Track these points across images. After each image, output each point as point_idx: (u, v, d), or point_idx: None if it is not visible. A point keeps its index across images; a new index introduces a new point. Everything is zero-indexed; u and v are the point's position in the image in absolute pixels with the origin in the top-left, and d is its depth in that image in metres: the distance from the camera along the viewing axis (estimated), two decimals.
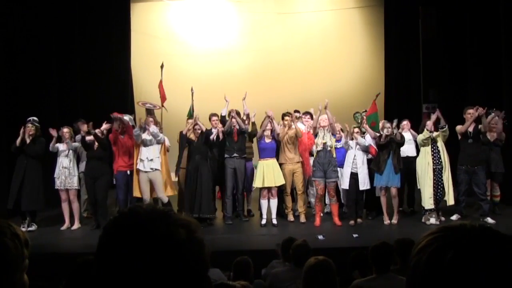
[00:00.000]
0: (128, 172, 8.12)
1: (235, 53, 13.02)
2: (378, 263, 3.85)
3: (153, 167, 8.01)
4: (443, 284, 0.92)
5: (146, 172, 8.00)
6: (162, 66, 9.65)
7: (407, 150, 8.41)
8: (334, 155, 8.04)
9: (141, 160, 8.01)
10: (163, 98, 9.46)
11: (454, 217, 8.07)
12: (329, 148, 8.00)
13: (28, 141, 7.97)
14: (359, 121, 9.65)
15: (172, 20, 13.26)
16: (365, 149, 8.08)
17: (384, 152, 7.93)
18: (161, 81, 9.54)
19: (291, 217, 8.35)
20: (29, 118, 8.19)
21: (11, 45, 9.22)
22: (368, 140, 8.16)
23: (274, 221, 8.20)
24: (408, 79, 12.57)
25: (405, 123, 8.55)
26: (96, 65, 11.52)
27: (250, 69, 12.85)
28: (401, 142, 7.99)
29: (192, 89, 9.40)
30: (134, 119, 8.69)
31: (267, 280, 4.67)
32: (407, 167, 8.25)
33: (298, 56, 12.97)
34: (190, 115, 9.53)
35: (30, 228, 8.00)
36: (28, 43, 9.59)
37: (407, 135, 8.39)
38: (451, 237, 0.96)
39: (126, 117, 8.43)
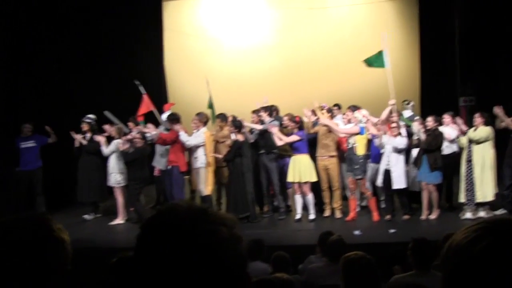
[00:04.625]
0: (169, 167, 8.26)
1: (267, 49, 12.97)
2: (418, 259, 3.79)
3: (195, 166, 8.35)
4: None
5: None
6: (139, 84, 9.60)
7: (449, 144, 8.21)
8: (358, 153, 7.84)
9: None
10: (144, 108, 9.46)
11: (499, 212, 7.89)
12: (350, 145, 7.89)
13: (83, 142, 8.66)
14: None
15: (203, 17, 13.31)
16: (397, 151, 7.86)
17: (420, 149, 7.79)
18: (145, 95, 9.53)
19: (327, 212, 8.31)
20: (86, 116, 8.78)
21: (42, 45, 9.44)
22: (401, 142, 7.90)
23: (311, 216, 8.16)
24: (444, 72, 12.27)
25: (447, 118, 8.32)
26: (129, 64, 11.66)
27: (282, 65, 12.79)
28: (430, 147, 7.72)
29: (206, 80, 9.46)
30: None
31: (303, 275, 4.67)
32: (447, 162, 8.08)
33: (330, 52, 12.83)
34: (210, 105, 9.59)
35: (88, 217, 8.72)
36: (60, 40, 9.77)
37: (449, 129, 8.17)
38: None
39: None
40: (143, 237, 1.02)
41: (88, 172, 8.66)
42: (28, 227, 1.31)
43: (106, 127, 8.75)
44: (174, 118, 8.37)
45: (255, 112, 8.80)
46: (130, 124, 8.69)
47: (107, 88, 11.08)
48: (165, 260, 0.96)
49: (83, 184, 8.68)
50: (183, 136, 8.11)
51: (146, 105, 9.43)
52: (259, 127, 8.32)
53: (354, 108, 8.43)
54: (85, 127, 8.74)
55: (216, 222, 1.01)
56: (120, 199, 8.40)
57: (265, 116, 8.47)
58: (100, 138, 8.49)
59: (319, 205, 8.45)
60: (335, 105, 9.88)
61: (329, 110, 8.62)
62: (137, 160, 8.09)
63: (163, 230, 0.99)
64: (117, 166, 8.34)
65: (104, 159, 8.54)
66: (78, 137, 8.74)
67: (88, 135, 8.77)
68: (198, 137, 8.27)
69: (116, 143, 8.33)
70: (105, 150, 8.38)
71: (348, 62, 12.77)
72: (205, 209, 1.04)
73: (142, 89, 9.45)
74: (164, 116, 9.09)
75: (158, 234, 0.99)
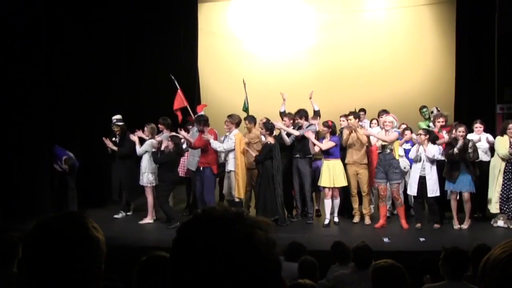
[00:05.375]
0: (201, 168, 8.29)
1: (302, 52, 12.96)
2: (450, 269, 3.70)
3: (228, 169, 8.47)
4: None
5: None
6: (173, 78, 9.68)
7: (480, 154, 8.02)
8: (397, 157, 7.81)
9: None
10: (176, 104, 9.52)
11: None
12: (388, 151, 7.79)
13: (115, 148, 8.72)
14: (427, 116, 9.32)
15: (237, 19, 13.39)
16: (433, 161, 7.73)
17: (459, 161, 7.60)
18: (180, 89, 9.58)
19: (356, 219, 8.23)
20: (113, 118, 8.81)
21: (81, 48, 9.63)
22: (435, 152, 7.75)
23: (336, 219, 8.17)
24: (481, 77, 11.97)
25: (479, 126, 8.12)
26: (164, 65, 11.82)
27: (317, 68, 12.76)
28: (474, 159, 7.55)
29: (243, 81, 9.46)
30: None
31: (330, 282, 4.64)
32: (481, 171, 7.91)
33: (366, 55, 12.73)
34: (246, 108, 9.59)
35: (118, 216, 8.81)
36: (96, 43, 9.93)
37: (479, 137, 7.99)
38: None
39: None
40: (179, 240, 1.03)
41: (121, 173, 8.81)
42: (64, 226, 1.34)
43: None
44: (202, 120, 8.41)
45: (287, 115, 8.74)
46: (161, 126, 8.77)
47: (144, 88, 11.27)
48: (200, 264, 0.96)
49: (116, 185, 8.92)
50: (214, 144, 8.19)
51: (180, 100, 9.51)
52: (296, 132, 8.25)
53: (384, 112, 8.43)
54: (117, 130, 8.81)
55: (252, 226, 1.01)
56: (150, 198, 8.50)
57: (301, 121, 8.42)
58: (135, 138, 8.57)
59: (348, 211, 8.42)
60: (361, 109, 9.83)
61: (357, 116, 8.57)
62: (168, 162, 8.17)
63: (199, 234, 1.00)
64: (150, 166, 8.43)
65: (137, 159, 8.66)
66: (109, 144, 8.77)
67: (118, 138, 8.82)
68: (229, 140, 8.31)
69: (150, 143, 8.42)
70: (139, 149, 8.47)
71: (384, 66, 12.66)
72: (241, 213, 1.04)
73: (176, 84, 9.55)
74: None
75: (194, 238, 1.00)
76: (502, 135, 7.71)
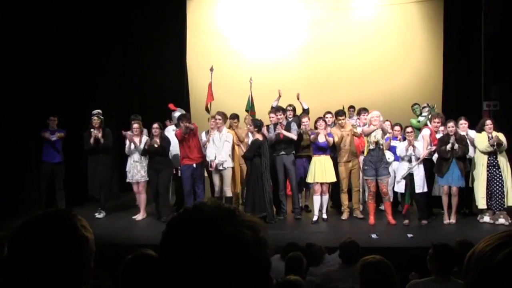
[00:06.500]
0: (194, 165, 8.24)
1: (291, 50, 12.95)
2: (439, 265, 3.72)
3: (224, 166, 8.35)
4: None
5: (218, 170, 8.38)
6: (211, 69, 9.70)
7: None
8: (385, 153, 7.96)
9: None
10: (209, 98, 9.54)
11: None
12: (381, 146, 7.87)
13: (101, 140, 8.54)
14: (418, 113, 9.38)
15: (227, 16, 13.34)
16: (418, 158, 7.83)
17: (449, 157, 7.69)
18: (210, 83, 9.60)
19: (345, 215, 8.27)
20: (94, 112, 8.70)
21: (68, 46, 9.55)
22: (419, 148, 7.85)
23: (324, 216, 8.20)
24: (468, 75, 12.08)
25: (464, 123, 8.21)
26: (153, 62, 11.77)
27: (306, 66, 12.75)
28: (464, 154, 7.69)
29: (250, 79, 9.43)
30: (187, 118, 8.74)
31: (318, 279, 4.64)
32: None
33: (355, 53, 12.76)
34: (250, 107, 9.57)
35: (99, 216, 8.63)
36: (85, 39, 9.84)
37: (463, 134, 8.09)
38: None
39: (178, 112, 8.68)
40: (167, 234, 1.03)
41: (101, 169, 8.69)
42: (52, 225, 1.33)
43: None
44: (184, 118, 8.38)
45: (272, 112, 8.73)
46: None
47: (133, 85, 11.22)
48: (186, 259, 0.97)
49: (94, 180, 8.71)
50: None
51: (210, 94, 9.47)
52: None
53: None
54: (99, 122, 8.61)
55: (242, 225, 1.01)
56: (143, 195, 8.46)
57: (282, 117, 8.40)
58: (136, 140, 8.47)
59: (337, 208, 8.47)
60: (351, 106, 9.88)
61: (343, 113, 8.65)
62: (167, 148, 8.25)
63: (186, 230, 1.00)
64: (144, 161, 8.39)
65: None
66: (97, 135, 8.58)
67: (96, 131, 8.62)
68: (227, 143, 8.26)
69: (147, 140, 8.39)
70: (140, 148, 8.35)
71: (373, 63, 12.70)
72: (233, 211, 1.04)
73: (211, 77, 9.50)
74: (175, 115, 9.03)
75: (181, 234, 1.00)
76: (480, 132, 7.84)
